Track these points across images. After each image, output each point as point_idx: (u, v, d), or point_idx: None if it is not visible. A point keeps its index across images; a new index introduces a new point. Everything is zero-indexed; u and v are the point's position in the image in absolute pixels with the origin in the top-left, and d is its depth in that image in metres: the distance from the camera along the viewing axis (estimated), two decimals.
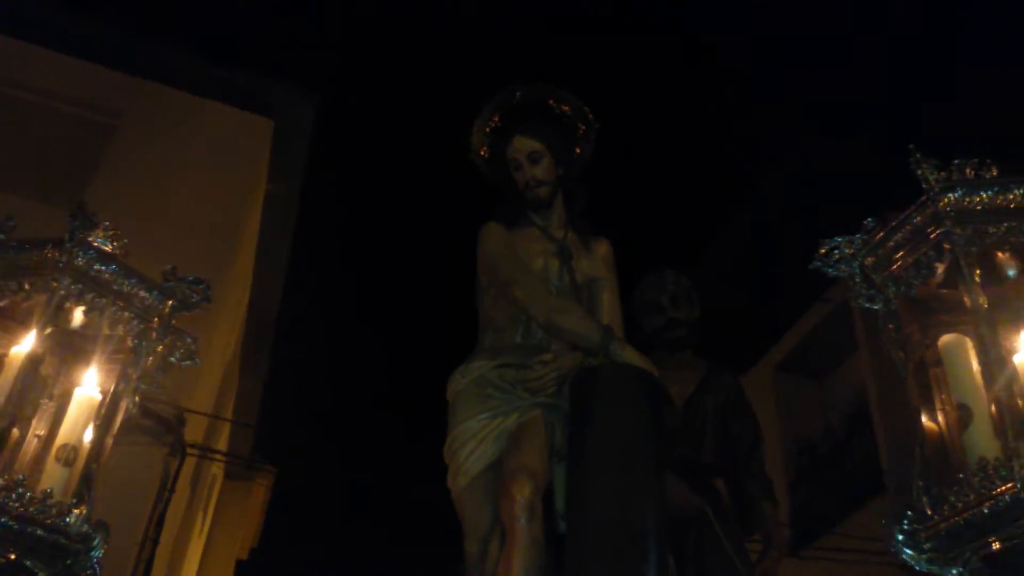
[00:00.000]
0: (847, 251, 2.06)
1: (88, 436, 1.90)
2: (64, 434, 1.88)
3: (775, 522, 3.60)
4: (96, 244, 2.00)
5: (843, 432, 10.87)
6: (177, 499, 7.38)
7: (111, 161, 7.89)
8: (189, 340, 2.08)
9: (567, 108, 3.19)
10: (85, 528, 1.76)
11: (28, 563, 1.68)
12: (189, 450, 7.45)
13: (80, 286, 1.96)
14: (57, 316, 1.93)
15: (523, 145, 3.09)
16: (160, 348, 2.03)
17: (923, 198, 1.96)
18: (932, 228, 1.93)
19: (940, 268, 1.91)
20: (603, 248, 3.19)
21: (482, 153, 3.27)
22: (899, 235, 1.99)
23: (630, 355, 2.74)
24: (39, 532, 1.68)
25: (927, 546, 1.69)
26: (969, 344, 1.86)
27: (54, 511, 1.72)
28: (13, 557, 1.66)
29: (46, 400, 1.99)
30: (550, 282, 3.00)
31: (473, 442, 2.78)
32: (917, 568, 1.71)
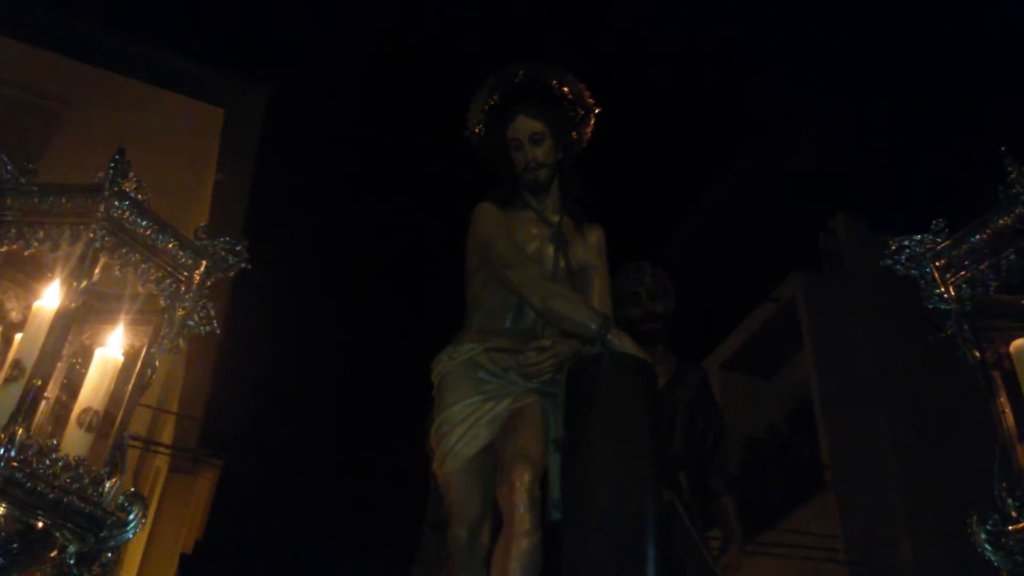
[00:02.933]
0: (918, 250, 2.05)
1: (109, 400, 1.77)
2: (86, 398, 1.74)
3: (736, 516, 3.65)
4: (131, 194, 1.85)
5: (786, 429, 11.07)
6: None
7: (57, 148, 7.74)
8: (209, 306, 1.96)
9: (568, 91, 3.11)
10: (121, 500, 1.66)
11: (57, 534, 1.57)
12: (132, 442, 7.36)
13: (115, 239, 1.80)
14: (88, 270, 1.75)
15: (525, 125, 3.02)
16: (181, 312, 1.90)
17: (1006, 200, 1.96)
18: (1019, 231, 1.90)
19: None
20: (596, 235, 3.14)
21: (477, 131, 3.17)
22: (978, 237, 1.96)
23: (627, 344, 2.69)
24: (75, 501, 1.57)
25: (1012, 547, 1.72)
26: None
27: (87, 479, 1.60)
28: (41, 525, 1.55)
29: (63, 361, 1.84)
30: (544, 267, 2.94)
31: (463, 425, 2.72)
32: (999, 566, 1.76)
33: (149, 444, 8.84)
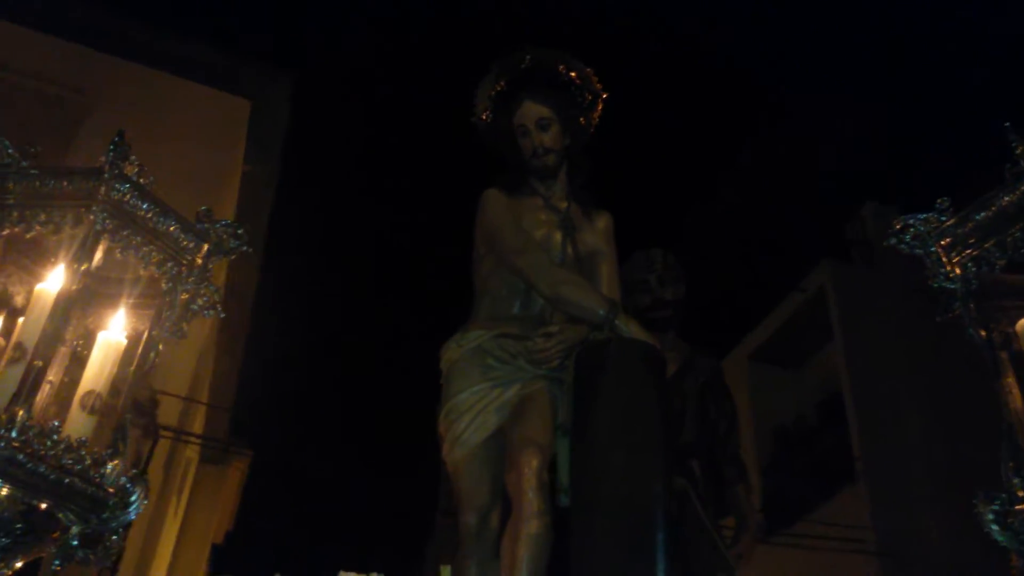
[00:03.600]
0: (922, 229, 2.03)
1: (112, 383, 1.77)
2: (88, 380, 1.74)
3: (749, 505, 3.63)
4: (132, 177, 1.84)
5: (815, 420, 10.98)
6: (150, 482, 7.33)
7: (85, 141, 7.80)
8: (213, 288, 1.94)
9: (576, 76, 3.08)
10: (123, 481, 1.66)
11: (60, 515, 1.57)
12: (163, 432, 7.40)
13: (116, 221, 1.80)
14: (89, 253, 1.76)
15: (533, 111, 3.01)
16: (184, 296, 1.89)
17: (1012, 178, 1.94)
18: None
19: None
20: (604, 221, 3.12)
21: (484, 117, 3.15)
22: (984, 215, 1.94)
23: (635, 330, 2.69)
24: (76, 482, 1.57)
25: (1018, 527, 1.71)
26: None
27: (89, 460, 1.60)
28: (43, 506, 1.55)
29: (66, 345, 1.85)
30: (552, 253, 2.93)
31: (472, 412, 2.73)
32: (1005, 546, 1.76)
33: (180, 435, 8.91)
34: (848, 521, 8.99)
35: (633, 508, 2.38)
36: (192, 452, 11.04)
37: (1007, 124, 1.96)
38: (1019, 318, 1.90)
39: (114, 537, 1.64)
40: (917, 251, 2.02)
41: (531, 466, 2.49)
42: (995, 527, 1.73)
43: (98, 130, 7.87)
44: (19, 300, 1.84)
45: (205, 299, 1.94)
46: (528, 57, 3.05)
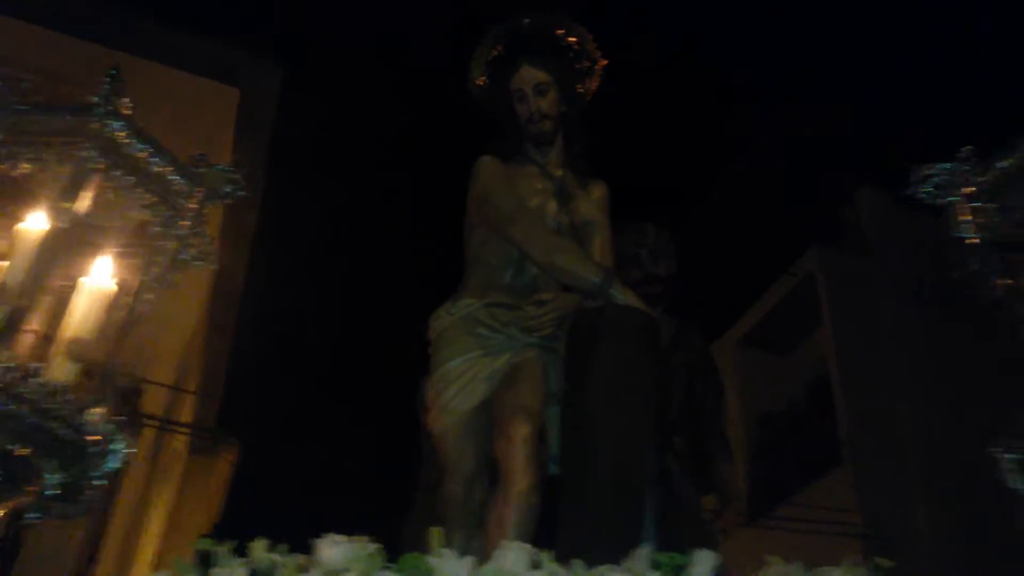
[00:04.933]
0: (945, 178, 2.02)
1: (98, 331, 1.71)
2: (72, 327, 1.68)
3: (732, 482, 3.65)
4: (126, 115, 1.76)
5: (804, 405, 11.03)
6: (135, 472, 7.30)
7: None
8: (206, 238, 1.89)
9: (575, 42, 3.04)
10: (107, 428, 1.60)
11: (39, 463, 1.51)
12: (149, 422, 7.36)
13: (108, 160, 1.72)
14: (78, 192, 1.68)
15: (530, 75, 2.97)
16: (175, 244, 1.81)
17: None
18: None
19: None
20: (599, 191, 3.10)
21: (480, 83, 3.12)
22: (1010, 162, 1.94)
23: (630, 298, 2.68)
24: (57, 427, 1.51)
25: None
26: None
27: (71, 407, 1.54)
28: (20, 452, 1.48)
29: (51, 292, 1.76)
30: (546, 221, 2.92)
31: (461, 380, 2.71)
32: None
33: (166, 424, 8.88)
34: (835, 505, 9.04)
35: (625, 475, 2.37)
36: (179, 442, 11.02)
37: None
38: None
39: (90, 491, 1.59)
40: (939, 201, 2.01)
41: (521, 433, 2.49)
42: (1015, 476, 1.77)
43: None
44: (2, 245, 1.77)
45: (197, 249, 1.87)
46: (527, 21, 3.01)
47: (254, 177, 9.75)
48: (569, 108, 3.06)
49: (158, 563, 10.47)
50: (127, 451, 1.63)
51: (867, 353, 10.12)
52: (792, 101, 12.11)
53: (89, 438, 1.57)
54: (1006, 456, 1.76)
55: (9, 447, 1.47)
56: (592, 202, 3.06)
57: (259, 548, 1.70)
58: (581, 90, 3.11)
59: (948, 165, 2.01)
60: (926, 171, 2.02)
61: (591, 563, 1.68)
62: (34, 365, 1.53)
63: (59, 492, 1.53)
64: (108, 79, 1.79)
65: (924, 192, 2.01)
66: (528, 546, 1.71)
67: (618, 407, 2.46)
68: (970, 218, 1.96)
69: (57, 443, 1.52)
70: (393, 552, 1.74)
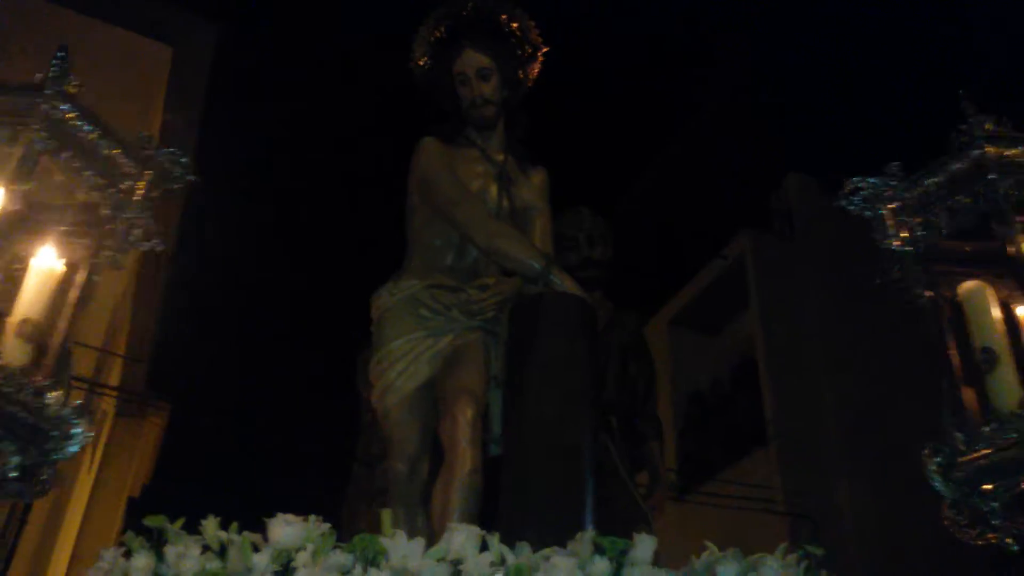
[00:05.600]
0: (872, 192, 2.09)
1: (48, 312, 1.71)
2: (23, 308, 1.67)
3: (662, 462, 3.76)
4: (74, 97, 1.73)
5: (730, 385, 11.28)
6: None
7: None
8: (151, 221, 1.86)
9: (517, 27, 3.05)
10: (67, 412, 1.60)
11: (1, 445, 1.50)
12: (76, 383, 7.21)
13: (56, 142, 1.70)
14: (27, 173, 1.66)
15: (473, 60, 2.98)
16: (119, 225, 1.79)
17: (961, 145, 1.99)
18: (974, 176, 1.98)
19: (974, 216, 1.99)
20: (540, 176, 3.14)
21: (422, 63, 3.11)
22: (933, 181, 2.03)
23: (569, 285, 2.73)
24: (16, 411, 1.50)
25: (960, 478, 1.81)
26: (989, 291, 1.96)
27: (30, 390, 1.53)
28: None
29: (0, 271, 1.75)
30: (488, 205, 2.94)
31: (404, 360, 2.74)
32: (946, 496, 1.84)
33: (93, 386, 8.72)
34: (759, 482, 9.30)
35: (564, 456, 2.44)
36: (108, 404, 10.83)
37: (961, 91, 2.03)
38: (960, 282, 2.00)
39: (49, 472, 1.59)
40: (867, 213, 2.10)
41: (466, 415, 2.53)
42: (938, 479, 1.84)
43: (7, 71, 7.55)
44: None
45: (143, 231, 1.85)
46: (471, 4, 3.01)
47: (185, 137, 9.56)
48: (511, 93, 3.09)
49: (85, 523, 10.32)
50: (87, 435, 1.63)
51: (792, 335, 10.38)
52: (726, 87, 12.23)
53: (50, 421, 1.56)
54: (933, 460, 1.84)
55: None
56: (532, 187, 3.10)
57: (211, 526, 1.70)
58: (522, 76, 3.12)
59: (874, 179, 2.10)
60: (855, 183, 2.11)
61: (535, 545, 1.73)
62: None
63: (17, 475, 1.51)
64: (56, 60, 1.77)
65: (852, 204, 2.10)
66: (476, 528, 1.74)
67: (558, 393, 2.52)
68: (894, 231, 2.05)
69: (18, 426, 1.51)
70: (331, 521, 1.76)
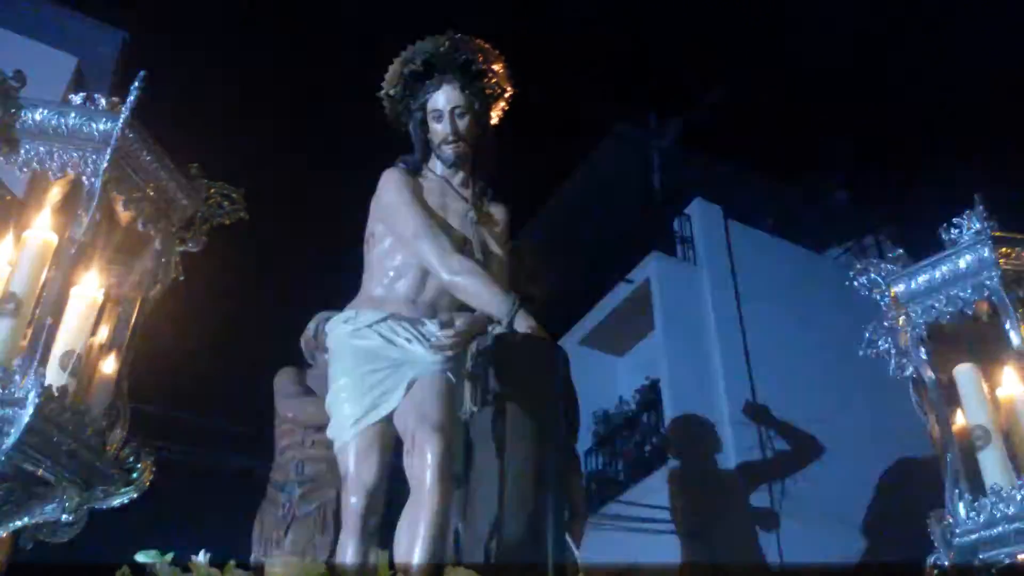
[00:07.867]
0: (878, 276, 2.26)
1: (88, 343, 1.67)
2: (67, 339, 1.61)
3: (581, 493, 3.83)
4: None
5: (635, 405, 11.50)
6: None
7: None
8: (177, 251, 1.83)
9: (491, 68, 3.10)
10: (126, 452, 1.54)
11: (61, 485, 1.41)
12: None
13: (120, 171, 1.66)
14: (98, 202, 1.60)
15: (451, 96, 3.02)
16: (168, 257, 1.77)
17: (964, 242, 2.19)
18: (977, 271, 2.16)
19: (976, 306, 2.17)
20: (502, 213, 3.17)
21: (392, 94, 3.13)
22: (937, 272, 2.22)
23: (532, 325, 2.74)
24: (80, 450, 1.41)
25: (962, 545, 1.98)
26: (978, 374, 2.16)
27: (91, 429, 1.46)
28: (41, 473, 1.37)
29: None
30: (453, 239, 2.94)
31: (362, 393, 2.72)
32: (946, 563, 2.00)
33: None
34: (660, 503, 9.46)
35: (536, 495, 2.57)
36: None
37: (977, 195, 2.19)
38: (956, 363, 2.19)
39: (85, 516, 1.49)
40: (875, 296, 2.31)
41: (435, 452, 2.53)
42: (941, 544, 2.02)
43: None
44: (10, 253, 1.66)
45: (168, 262, 1.82)
46: (448, 43, 3.04)
47: None
48: (481, 132, 3.13)
49: None
50: (148, 477, 1.57)
51: (693, 357, 10.64)
52: (638, 117, 12.54)
53: (111, 462, 1.50)
54: (938, 527, 2.04)
55: (32, 468, 1.37)
56: (496, 224, 3.14)
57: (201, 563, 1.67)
58: (492, 115, 3.18)
59: (881, 263, 2.32)
60: (862, 266, 2.32)
61: None
62: (61, 385, 1.45)
63: (72, 516, 1.41)
64: (137, 85, 1.75)
65: (858, 285, 2.30)
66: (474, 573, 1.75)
67: (530, 432, 2.64)
68: (895, 313, 2.25)
69: (80, 466, 1.43)
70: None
